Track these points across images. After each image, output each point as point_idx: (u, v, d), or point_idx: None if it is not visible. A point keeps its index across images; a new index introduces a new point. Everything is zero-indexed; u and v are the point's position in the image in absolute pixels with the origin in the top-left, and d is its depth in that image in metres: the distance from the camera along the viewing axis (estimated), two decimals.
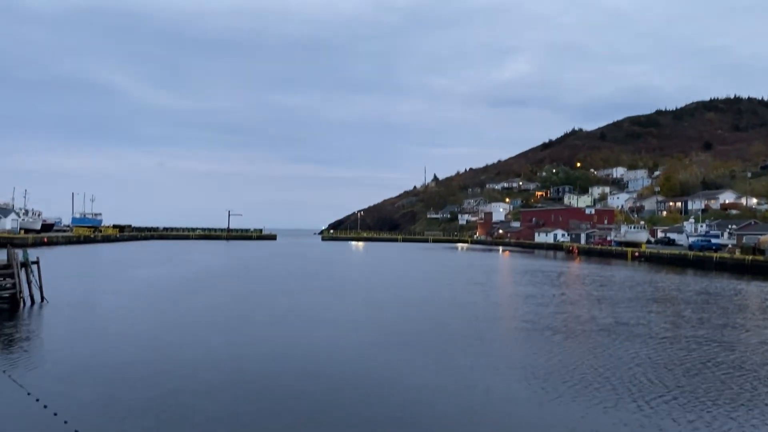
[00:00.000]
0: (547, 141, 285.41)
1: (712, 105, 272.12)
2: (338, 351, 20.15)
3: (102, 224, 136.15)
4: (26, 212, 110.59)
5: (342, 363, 18.44)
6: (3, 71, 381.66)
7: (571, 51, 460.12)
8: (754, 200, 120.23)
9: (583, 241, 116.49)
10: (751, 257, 61.36)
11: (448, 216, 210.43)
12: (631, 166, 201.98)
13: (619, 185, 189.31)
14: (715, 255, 68.12)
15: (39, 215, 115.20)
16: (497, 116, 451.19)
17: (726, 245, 78.52)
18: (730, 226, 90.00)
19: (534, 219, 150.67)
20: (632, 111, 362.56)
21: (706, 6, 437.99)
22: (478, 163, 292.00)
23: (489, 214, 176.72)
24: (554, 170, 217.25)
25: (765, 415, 13.91)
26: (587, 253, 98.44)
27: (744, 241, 75.28)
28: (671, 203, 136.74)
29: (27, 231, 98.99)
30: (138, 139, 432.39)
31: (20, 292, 28.31)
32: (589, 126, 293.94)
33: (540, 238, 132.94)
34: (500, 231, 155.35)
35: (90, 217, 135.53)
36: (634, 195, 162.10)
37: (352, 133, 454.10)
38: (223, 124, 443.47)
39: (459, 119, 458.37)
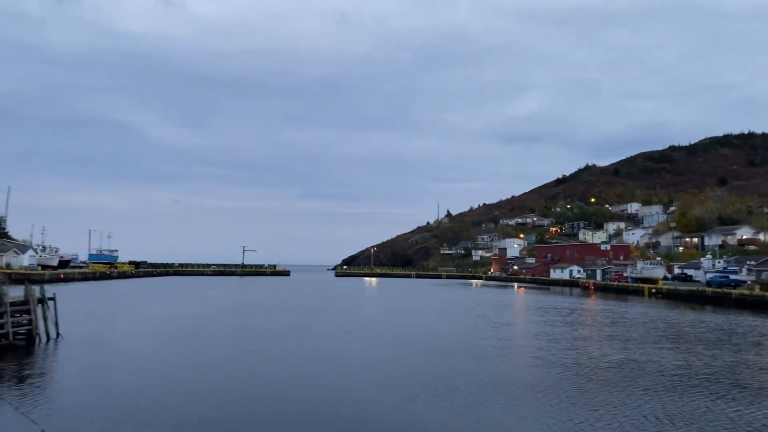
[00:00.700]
0: (560, 177, 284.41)
1: (726, 140, 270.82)
2: (349, 389, 20.11)
3: (118, 260, 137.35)
4: (44, 249, 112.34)
5: (354, 402, 18.39)
6: (25, 110, 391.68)
7: (583, 87, 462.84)
8: None
9: (599, 277, 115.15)
10: None
11: (462, 252, 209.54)
12: (646, 202, 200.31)
13: (634, 221, 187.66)
14: (734, 291, 66.93)
15: (56, 252, 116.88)
16: (510, 152, 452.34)
17: (745, 281, 77.17)
18: (748, 262, 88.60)
19: (549, 255, 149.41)
20: (645, 147, 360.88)
21: (718, 42, 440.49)
22: (492, 199, 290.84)
23: (503, 250, 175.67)
24: (568, 206, 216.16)
25: None
26: (603, 290, 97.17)
27: (763, 277, 73.97)
28: (687, 239, 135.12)
29: (44, 267, 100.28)
30: (154, 176, 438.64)
31: (36, 328, 28.60)
32: (603, 162, 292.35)
33: (555, 274, 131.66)
34: (515, 267, 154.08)
35: (106, 253, 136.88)
36: (650, 231, 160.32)
37: (365, 169, 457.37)
38: (238, 160, 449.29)
39: (472, 155, 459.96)
